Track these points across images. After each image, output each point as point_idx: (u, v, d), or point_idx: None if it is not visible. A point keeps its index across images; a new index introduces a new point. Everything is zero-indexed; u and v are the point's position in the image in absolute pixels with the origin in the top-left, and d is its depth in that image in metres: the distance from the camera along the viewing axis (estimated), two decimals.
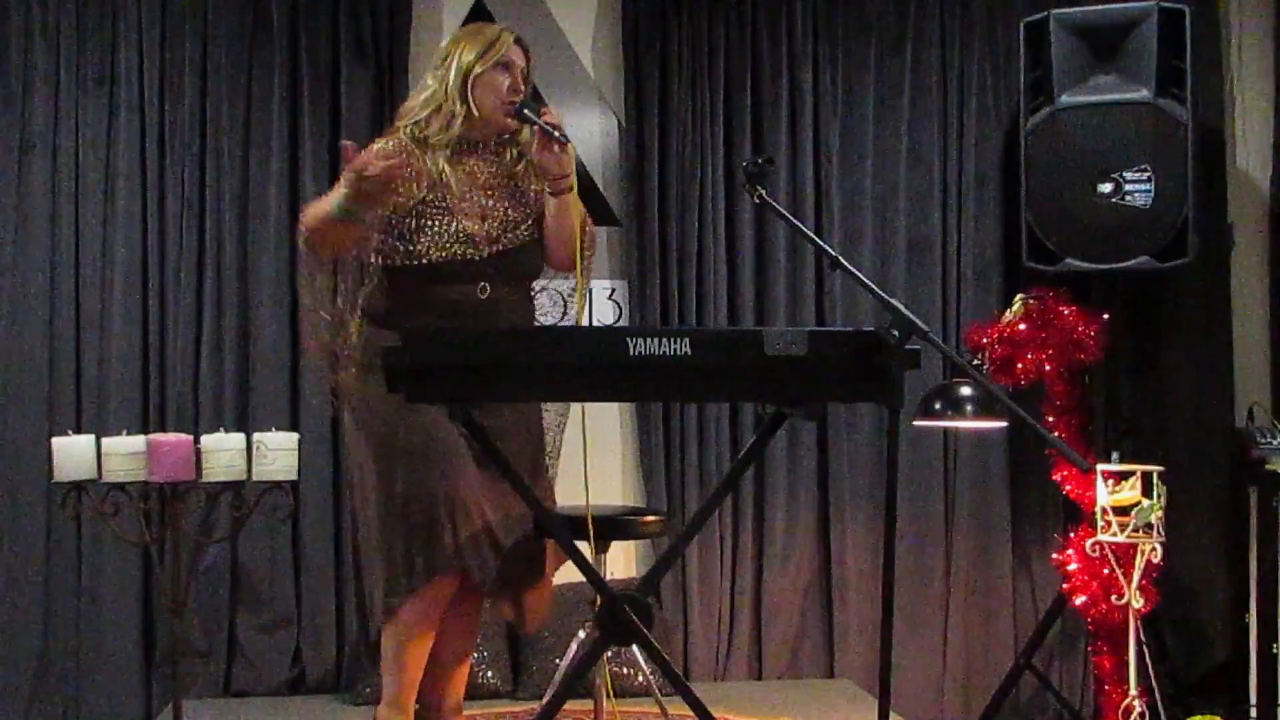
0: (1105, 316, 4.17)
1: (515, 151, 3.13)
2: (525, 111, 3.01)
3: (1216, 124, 4.67)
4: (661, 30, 4.61)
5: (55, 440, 3.58)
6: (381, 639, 3.03)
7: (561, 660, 3.73)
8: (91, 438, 3.56)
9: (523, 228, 3.07)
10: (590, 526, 3.14)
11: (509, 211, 3.06)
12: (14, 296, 4.38)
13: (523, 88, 3.08)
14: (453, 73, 3.03)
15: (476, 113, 3.03)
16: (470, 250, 2.98)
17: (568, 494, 3.25)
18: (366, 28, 4.49)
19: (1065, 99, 4.15)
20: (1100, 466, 3.94)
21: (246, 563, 4.42)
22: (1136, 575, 3.87)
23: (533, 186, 3.12)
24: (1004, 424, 4.33)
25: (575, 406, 3.19)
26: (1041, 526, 4.67)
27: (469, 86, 3.02)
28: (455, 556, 2.90)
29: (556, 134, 2.96)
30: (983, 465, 4.67)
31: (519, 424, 3.05)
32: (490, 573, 2.96)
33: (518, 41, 3.11)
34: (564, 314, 3.44)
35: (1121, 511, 3.86)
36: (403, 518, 2.93)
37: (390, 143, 3.03)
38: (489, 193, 3.06)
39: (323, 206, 2.91)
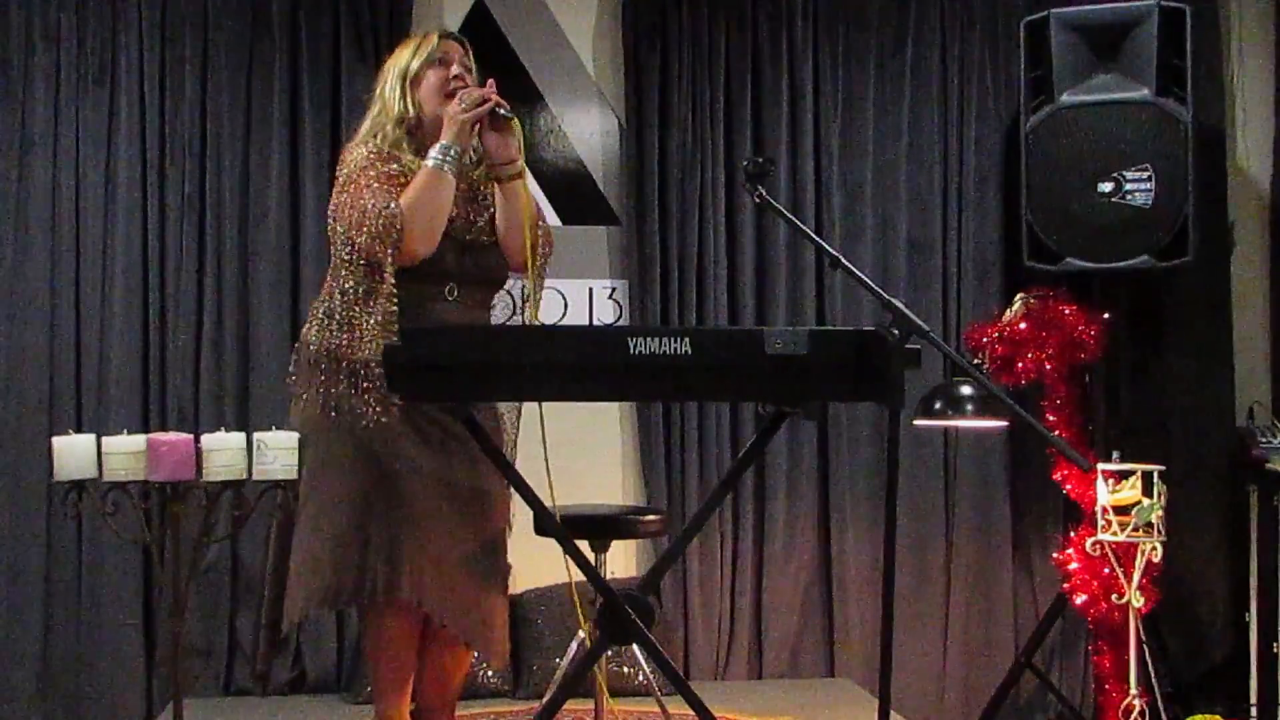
0: (1105, 316, 4.17)
1: (473, 158, 3.06)
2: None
3: (1216, 124, 4.68)
4: (661, 30, 4.60)
5: (55, 439, 3.56)
6: (364, 647, 2.98)
7: (561, 660, 3.73)
8: (92, 437, 3.55)
9: (484, 229, 3.01)
10: (557, 521, 3.08)
11: (470, 214, 3.00)
12: (14, 296, 4.37)
13: (464, 77, 3.02)
14: (390, 81, 3.02)
15: (417, 111, 2.99)
16: (439, 254, 2.91)
17: (562, 492, 3.24)
18: (366, 27, 4.49)
19: (1065, 98, 4.15)
20: (1100, 466, 3.94)
21: (246, 563, 4.42)
22: (1136, 574, 3.87)
23: (491, 192, 3.05)
24: (1004, 423, 4.33)
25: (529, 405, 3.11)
26: (1041, 526, 4.67)
27: (407, 88, 3.00)
28: (412, 590, 2.84)
29: (502, 111, 2.91)
30: (983, 465, 4.67)
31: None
32: (447, 610, 2.89)
33: (451, 36, 3.11)
34: (513, 315, 3.37)
35: (1122, 511, 3.86)
36: (376, 531, 2.89)
37: (368, 146, 2.97)
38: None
39: (418, 181, 2.85)
